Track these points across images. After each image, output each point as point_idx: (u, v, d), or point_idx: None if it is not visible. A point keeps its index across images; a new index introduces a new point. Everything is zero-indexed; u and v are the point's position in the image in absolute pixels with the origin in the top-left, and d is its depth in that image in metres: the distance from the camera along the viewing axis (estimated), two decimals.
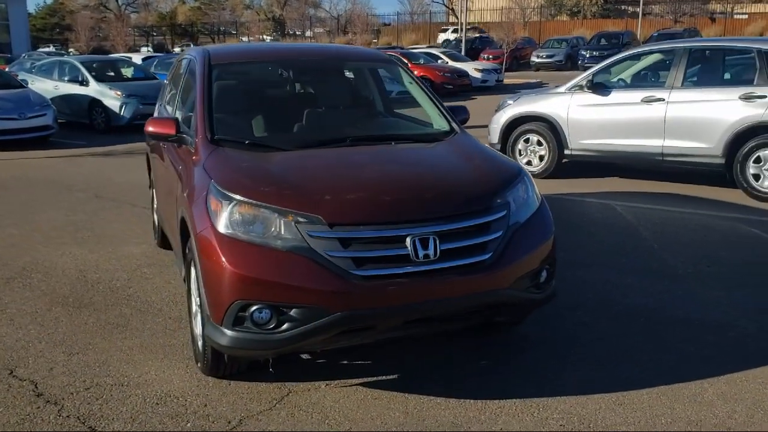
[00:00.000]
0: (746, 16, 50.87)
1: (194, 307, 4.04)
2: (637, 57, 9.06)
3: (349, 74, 5.31)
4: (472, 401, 3.57)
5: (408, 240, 3.33)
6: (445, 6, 60.15)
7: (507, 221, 3.61)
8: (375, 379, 3.83)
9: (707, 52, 8.53)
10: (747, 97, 7.69)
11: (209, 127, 4.16)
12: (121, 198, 8.41)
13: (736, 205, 7.58)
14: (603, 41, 37.27)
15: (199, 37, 62.18)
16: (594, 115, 8.78)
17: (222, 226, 3.40)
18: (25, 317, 4.77)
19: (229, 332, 3.34)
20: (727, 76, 8.52)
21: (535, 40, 43.59)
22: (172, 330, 4.53)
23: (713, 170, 8.11)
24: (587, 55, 35.56)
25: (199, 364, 3.85)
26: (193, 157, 4.09)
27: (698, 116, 8.00)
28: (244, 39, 52.97)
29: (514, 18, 42.67)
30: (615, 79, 8.95)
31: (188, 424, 3.41)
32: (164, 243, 6.20)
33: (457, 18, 57.93)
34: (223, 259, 3.31)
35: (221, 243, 3.35)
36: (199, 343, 3.91)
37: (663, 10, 50.71)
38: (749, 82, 7.84)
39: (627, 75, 9.03)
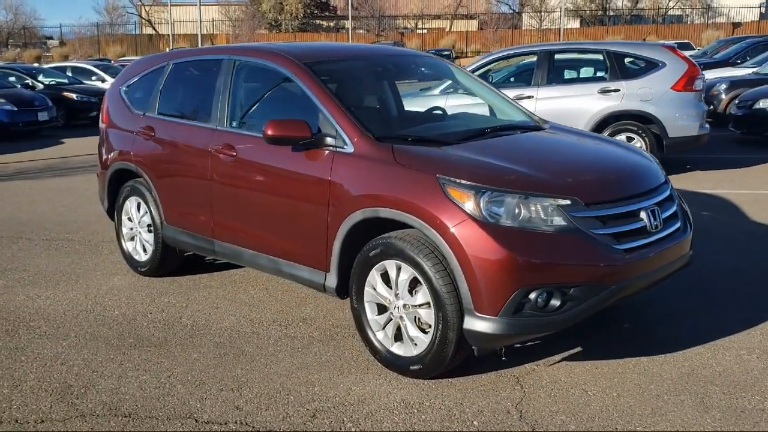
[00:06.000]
0: (426, 31, 57.10)
1: (372, 316, 3.87)
2: (504, 59, 10.07)
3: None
4: (672, 354, 3.99)
5: (642, 213, 3.66)
6: (141, 18, 57.69)
7: (674, 193, 4.12)
8: (568, 353, 4.03)
9: (566, 53, 9.84)
10: (604, 91, 9.08)
11: (364, 126, 3.97)
12: (4, 233, 7.07)
13: None
14: None
15: None
16: None
17: (480, 216, 3.37)
18: (109, 366, 4.01)
19: (506, 320, 3.33)
20: (584, 73, 9.94)
21: None
22: (304, 348, 4.20)
23: None
24: None
25: (414, 367, 3.67)
26: (356, 158, 3.87)
27: (564, 109, 9.19)
28: None
29: (226, 30, 42.77)
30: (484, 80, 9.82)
31: (475, 422, 3.33)
32: (161, 270, 5.52)
33: (155, 30, 56.00)
34: (503, 248, 3.30)
35: (493, 233, 3.33)
36: (392, 347, 3.79)
37: (357, 25, 54.73)
38: (603, 79, 9.28)
39: (497, 75, 9.99)
